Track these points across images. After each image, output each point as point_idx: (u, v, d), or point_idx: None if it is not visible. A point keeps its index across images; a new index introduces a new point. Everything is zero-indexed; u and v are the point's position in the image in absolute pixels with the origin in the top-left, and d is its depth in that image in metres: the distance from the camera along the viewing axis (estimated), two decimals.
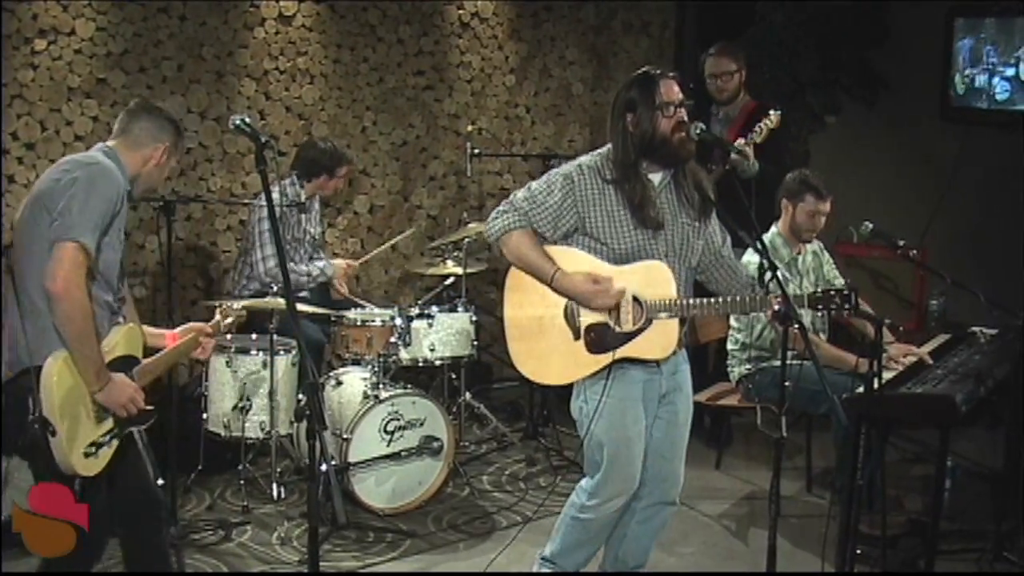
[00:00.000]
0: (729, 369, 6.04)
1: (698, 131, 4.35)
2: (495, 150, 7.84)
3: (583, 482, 4.59)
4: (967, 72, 7.67)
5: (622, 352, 4.34)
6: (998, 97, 7.59)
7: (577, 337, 4.37)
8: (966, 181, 7.80)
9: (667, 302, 4.30)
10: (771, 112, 6.28)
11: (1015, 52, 7.46)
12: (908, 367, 5.36)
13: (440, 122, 7.79)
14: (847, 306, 4.34)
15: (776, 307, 4.26)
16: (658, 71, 4.37)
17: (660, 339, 4.35)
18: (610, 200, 4.32)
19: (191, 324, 4.46)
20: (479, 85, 7.93)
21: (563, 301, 4.37)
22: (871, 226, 5.62)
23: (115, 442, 3.98)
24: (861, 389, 4.71)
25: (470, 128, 7.65)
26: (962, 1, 7.73)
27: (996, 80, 7.58)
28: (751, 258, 5.70)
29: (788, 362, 4.34)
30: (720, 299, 4.43)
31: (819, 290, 4.41)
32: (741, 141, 6.22)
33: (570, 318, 4.38)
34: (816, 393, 4.56)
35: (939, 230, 7.78)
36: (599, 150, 4.45)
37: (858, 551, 4.84)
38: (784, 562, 4.61)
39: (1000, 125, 7.58)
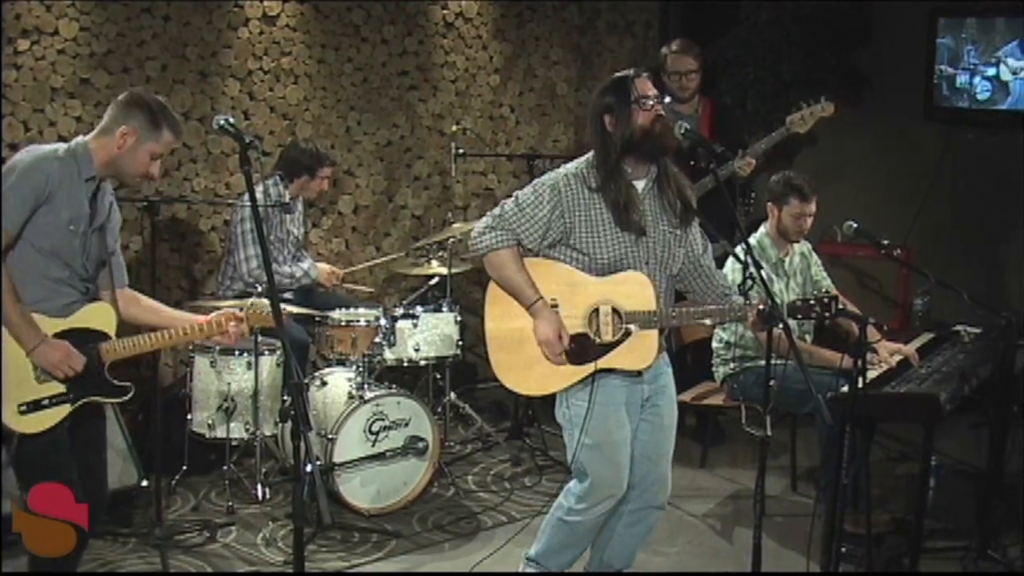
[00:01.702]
0: (714, 368, 6.05)
1: (683, 131, 4.37)
2: (480, 150, 7.84)
3: (571, 484, 4.60)
4: (945, 70, 7.70)
5: (602, 363, 4.36)
6: (979, 97, 7.62)
7: None
8: (949, 180, 7.83)
9: (646, 313, 4.32)
10: (823, 100, 6.27)
11: (995, 52, 7.49)
12: (892, 366, 5.38)
13: (424, 122, 7.79)
14: (827, 314, 4.35)
15: (759, 310, 4.27)
16: (631, 71, 4.41)
17: (640, 350, 4.37)
18: (595, 208, 4.35)
19: (225, 310, 4.46)
20: (463, 85, 7.93)
21: None
22: (855, 225, 5.63)
23: (64, 407, 4.09)
24: (846, 388, 4.72)
25: (455, 128, 7.65)
26: (945, 1, 7.76)
27: (977, 80, 7.61)
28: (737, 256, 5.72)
29: (773, 362, 4.35)
30: (699, 309, 4.45)
31: (799, 299, 4.41)
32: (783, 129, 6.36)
33: None
34: (801, 392, 4.57)
35: (923, 229, 7.80)
36: (583, 157, 4.46)
37: (843, 550, 4.84)
38: (769, 561, 4.62)
39: (982, 124, 7.61)
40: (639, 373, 4.44)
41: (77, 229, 4.10)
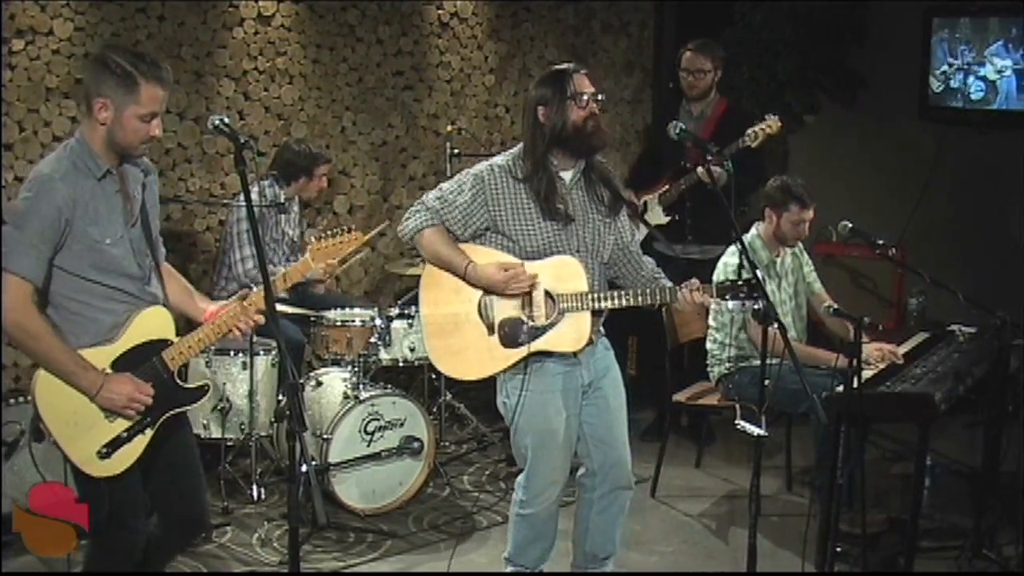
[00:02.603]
0: (708, 369, 6.05)
1: (678, 131, 4.39)
2: (475, 150, 7.82)
3: (520, 478, 4.67)
4: (942, 71, 7.71)
5: (536, 346, 4.40)
6: (973, 96, 7.63)
7: (491, 332, 4.45)
8: (944, 180, 7.84)
9: (578, 296, 4.38)
10: (769, 117, 6.26)
11: (985, 51, 7.50)
12: (896, 359, 5.39)
13: (420, 122, 7.78)
14: (755, 295, 4.32)
15: (755, 310, 4.28)
16: (571, 66, 4.46)
17: (572, 332, 4.42)
18: (521, 198, 4.41)
19: (230, 301, 4.11)
20: (458, 85, 7.93)
21: (477, 297, 4.46)
22: (850, 225, 5.63)
23: (146, 432, 3.88)
24: (840, 388, 4.72)
25: (450, 128, 7.64)
26: (939, 1, 7.77)
27: (971, 79, 7.62)
28: (730, 259, 5.72)
29: (768, 362, 4.35)
30: (629, 292, 4.48)
31: (726, 280, 4.43)
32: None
33: (484, 313, 4.45)
34: (796, 392, 4.57)
35: (918, 228, 7.81)
36: (511, 150, 4.53)
37: (838, 549, 4.85)
38: (764, 561, 4.62)
39: (976, 124, 7.62)
40: (575, 355, 4.48)
41: (114, 238, 3.81)
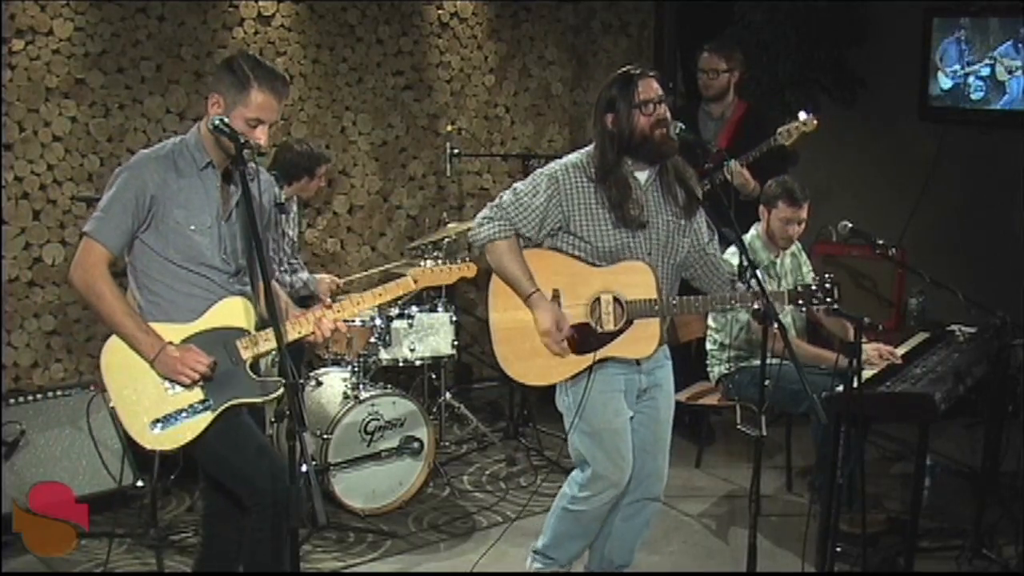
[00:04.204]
0: (708, 368, 6.05)
1: (678, 131, 4.37)
2: (475, 150, 7.84)
3: (575, 474, 4.62)
4: (953, 69, 7.70)
5: (604, 352, 4.38)
6: (973, 96, 7.62)
7: None
8: (944, 180, 7.83)
9: (647, 302, 4.34)
10: (803, 114, 6.25)
11: (990, 52, 7.49)
12: (894, 361, 5.39)
13: (420, 122, 7.78)
14: (828, 300, 4.35)
15: (756, 305, 4.28)
16: (638, 70, 4.39)
17: (641, 339, 4.39)
18: (593, 199, 4.37)
19: (316, 307, 4.17)
20: (459, 85, 7.93)
21: None
22: (850, 225, 5.64)
23: (206, 415, 3.89)
24: (840, 388, 4.72)
25: (450, 128, 7.65)
26: (939, 1, 7.76)
27: (971, 80, 7.61)
28: (732, 258, 5.72)
29: (768, 361, 4.35)
30: (700, 297, 4.45)
31: (799, 285, 4.41)
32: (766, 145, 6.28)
33: None
34: (796, 392, 4.57)
35: (918, 229, 7.80)
36: (586, 148, 4.47)
37: (838, 549, 4.85)
38: (764, 561, 4.62)
39: (976, 124, 7.61)
40: (637, 362, 4.46)
41: (201, 227, 3.91)
